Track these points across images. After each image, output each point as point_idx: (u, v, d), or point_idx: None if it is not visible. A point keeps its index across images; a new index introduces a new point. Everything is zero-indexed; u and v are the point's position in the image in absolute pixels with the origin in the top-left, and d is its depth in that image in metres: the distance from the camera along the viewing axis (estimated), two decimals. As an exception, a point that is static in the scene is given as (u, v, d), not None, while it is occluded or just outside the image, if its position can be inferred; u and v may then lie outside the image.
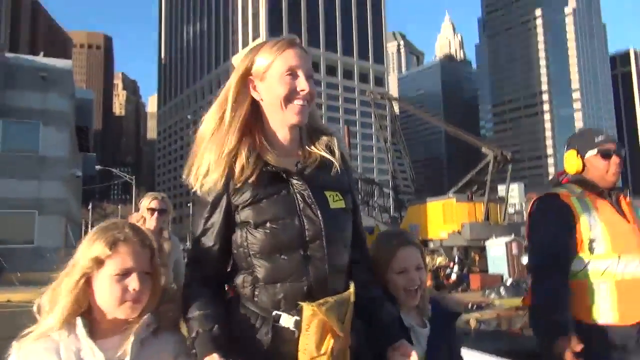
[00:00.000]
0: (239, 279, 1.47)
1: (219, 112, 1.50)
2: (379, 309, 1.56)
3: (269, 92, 1.47)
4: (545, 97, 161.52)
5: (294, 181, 1.45)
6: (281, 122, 1.50)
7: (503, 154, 25.29)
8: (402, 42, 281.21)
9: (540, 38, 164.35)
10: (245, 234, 1.43)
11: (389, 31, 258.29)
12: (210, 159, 1.46)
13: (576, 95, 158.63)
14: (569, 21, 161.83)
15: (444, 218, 24.54)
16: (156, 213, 3.64)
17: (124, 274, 1.35)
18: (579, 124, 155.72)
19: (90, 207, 55.80)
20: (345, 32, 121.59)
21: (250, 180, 1.43)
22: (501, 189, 26.98)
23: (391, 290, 1.85)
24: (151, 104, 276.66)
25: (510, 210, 28.38)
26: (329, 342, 1.36)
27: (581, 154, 2.34)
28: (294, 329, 1.38)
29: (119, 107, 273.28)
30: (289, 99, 1.45)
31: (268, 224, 1.41)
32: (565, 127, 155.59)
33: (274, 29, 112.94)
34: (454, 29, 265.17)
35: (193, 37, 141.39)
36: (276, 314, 1.40)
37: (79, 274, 1.36)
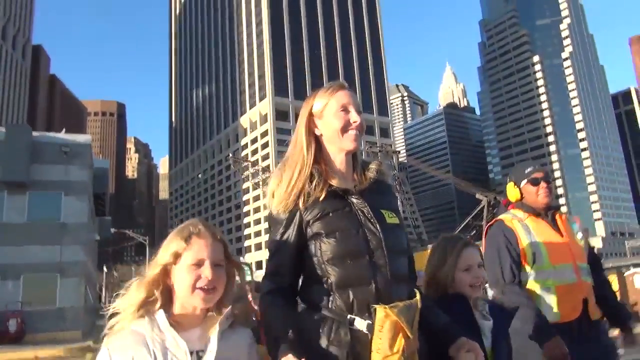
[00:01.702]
0: (313, 290, 1.62)
1: (292, 148, 1.77)
2: (434, 314, 1.69)
3: (328, 126, 1.72)
4: (551, 138, 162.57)
5: (354, 200, 1.65)
6: (339, 150, 1.73)
7: (496, 199, 26.42)
8: (405, 94, 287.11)
9: (541, 82, 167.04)
10: (318, 244, 1.61)
11: (391, 83, 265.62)
12: (287, 183, 1.67)
13: (582, 135, 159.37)
14: (567, 64, 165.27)
15: None
16: None
17: (198, 264, 1.44)
18: (587, 162, 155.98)
19: (105, 269, 56.08)
20: (349, 87, 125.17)
21: (319, 199, 1.63)
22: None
23: (457, 287, 2.06)
24: (163, 166, 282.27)
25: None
26: (401, 342, 1.44)
27: (517, 184, 2.83)
28: (367, 332, 1.49)
29: (131, 170, 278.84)
30: (344, 129, 1.70)
31: (337, 233, 1.59)
32: (573, 167, 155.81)
33: (280, 89, 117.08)
34: (455, 79, 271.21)
35: (202, 100, 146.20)
36: (350, 317, 1.52)
37: (159, 267, 1.46)
